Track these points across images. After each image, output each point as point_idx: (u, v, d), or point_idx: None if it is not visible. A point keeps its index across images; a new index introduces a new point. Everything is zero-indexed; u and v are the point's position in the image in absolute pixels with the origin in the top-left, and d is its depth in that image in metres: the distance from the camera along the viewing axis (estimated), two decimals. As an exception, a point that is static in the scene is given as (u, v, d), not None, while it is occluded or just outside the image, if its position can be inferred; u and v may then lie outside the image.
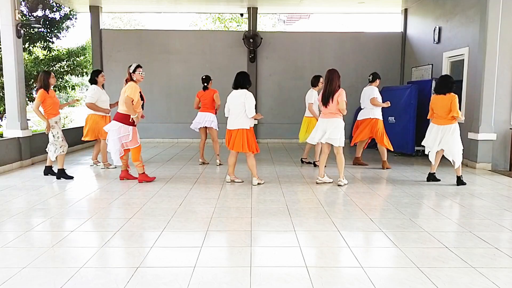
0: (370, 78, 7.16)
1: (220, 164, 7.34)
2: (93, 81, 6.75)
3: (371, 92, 6.97)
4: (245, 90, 5.53)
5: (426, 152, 6.09)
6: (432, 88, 5.89)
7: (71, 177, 6.08)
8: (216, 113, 7.30)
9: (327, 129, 5.67)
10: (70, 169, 6.91)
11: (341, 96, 5.55)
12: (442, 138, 5.69)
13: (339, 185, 5.71)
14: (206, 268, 2.95)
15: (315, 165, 7.25)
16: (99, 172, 6.72)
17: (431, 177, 6.04)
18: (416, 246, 3.41)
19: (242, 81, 5.52)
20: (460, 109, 5.87)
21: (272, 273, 2.87)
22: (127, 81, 5.71)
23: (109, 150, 5.79)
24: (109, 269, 2.97)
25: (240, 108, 5.44)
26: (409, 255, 3.20)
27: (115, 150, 5.68)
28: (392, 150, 7.23)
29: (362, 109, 7.18)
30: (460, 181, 5.79)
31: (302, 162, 7.63)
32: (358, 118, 7.21)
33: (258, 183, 5.74)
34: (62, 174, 6.05)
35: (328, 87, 5.63)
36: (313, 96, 6.96)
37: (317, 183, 5.86)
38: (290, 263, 3.05)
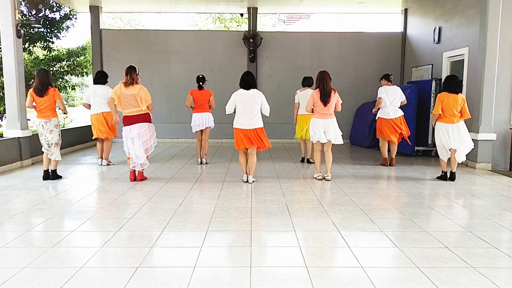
0: (392, 78, 7.22)
1: (206, 163, 7.40)
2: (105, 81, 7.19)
3: (403, 92, 7.13)
4: (257, 90, 5.72)
5: (444, 153, 6.02)
6: (442, 87, 6.00)
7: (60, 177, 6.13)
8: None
9: (330, 130, 5.90)
10: (70, 169, 6.92)
11: (339, 99, 5.94)
12: (457, 135, 5.84)
13: (327, 180, 6.00)
14: (206, 268, 2.95)
15: (309, 162, 7.58)
16: (99, 172, 6.72)
17: (453, 176, 6.05)
18: (416, 246, 3.41)
19: (253, 81, 5.70)
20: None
21: (272, 273, 2.87)
22: (128, 83, 5.55)
23: (137, 153, 5.65)
24: (109, 269, 2.97)
25: (258, 107, 5.64)
26: (409, 255, 3.20)
27: (142, 151, 5.69)
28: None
29: (381, 108, 7.08)
30: (454, 177, 6.06)
31: (309, 162, 7.61)
32: (392, 117, 6.99)
33: (253, 181, 5.92)
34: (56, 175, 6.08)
35: (325, 87, 5.83)
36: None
37: (318, 179, 6.07)
38: (290, 263, 3.05)
